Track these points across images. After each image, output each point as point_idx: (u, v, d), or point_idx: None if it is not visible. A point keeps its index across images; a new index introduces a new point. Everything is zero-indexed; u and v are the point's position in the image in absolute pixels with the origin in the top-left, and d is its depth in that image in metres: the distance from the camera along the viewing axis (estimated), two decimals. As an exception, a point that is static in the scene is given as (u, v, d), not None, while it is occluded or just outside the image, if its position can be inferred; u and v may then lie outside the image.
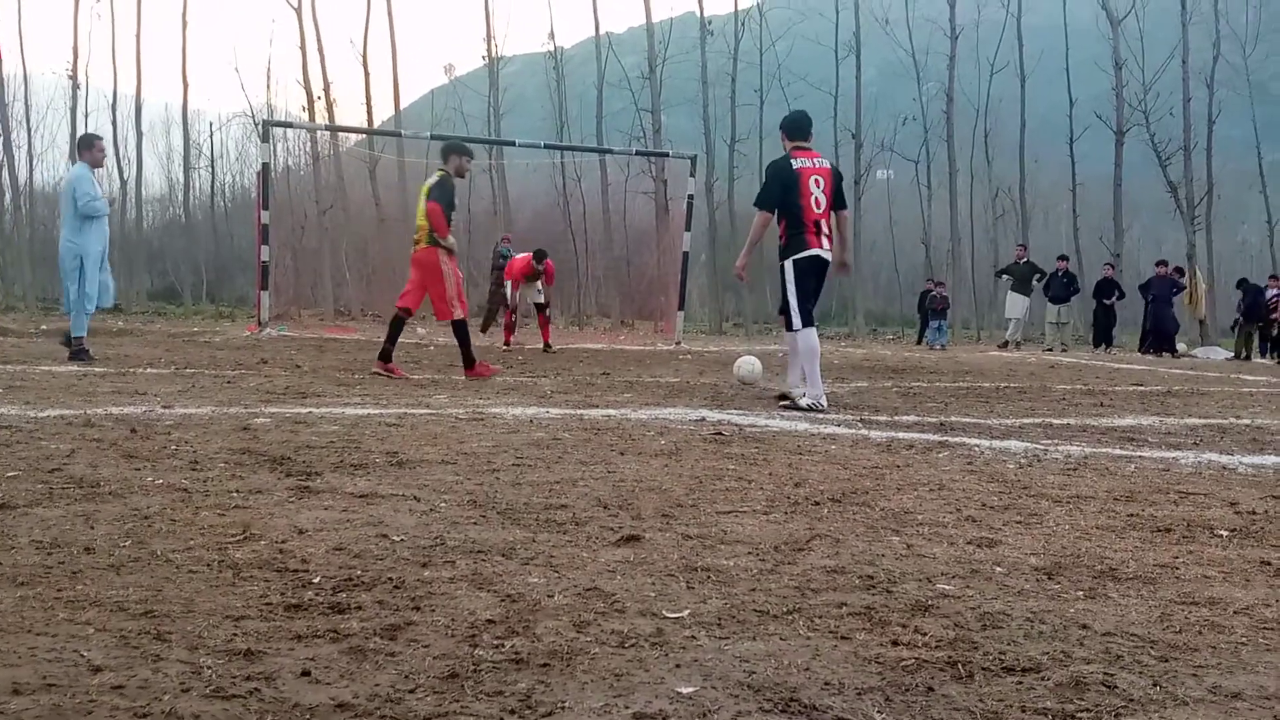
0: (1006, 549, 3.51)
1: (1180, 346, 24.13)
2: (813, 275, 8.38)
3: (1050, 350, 23.40)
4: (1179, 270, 25.26)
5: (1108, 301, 24.83)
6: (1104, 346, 24.45)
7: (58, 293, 39.60)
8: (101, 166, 11.46)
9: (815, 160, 8.46)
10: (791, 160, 8.41)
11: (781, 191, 8.36)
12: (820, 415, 7.58)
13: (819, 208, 8.35)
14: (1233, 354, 23.43)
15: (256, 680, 2.14)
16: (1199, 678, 2.34)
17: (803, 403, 8.08)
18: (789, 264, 8.33)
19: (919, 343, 26.67)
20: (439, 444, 5.45)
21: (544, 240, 29.81)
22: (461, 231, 23.29)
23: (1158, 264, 25.31)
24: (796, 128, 8.64)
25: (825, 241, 8.39)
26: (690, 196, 20.77)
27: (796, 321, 8.33)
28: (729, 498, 4.27)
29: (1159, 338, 23.87)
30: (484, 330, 22.37)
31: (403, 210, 33.30)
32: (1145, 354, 23.06)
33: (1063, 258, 26.36)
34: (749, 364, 10.06)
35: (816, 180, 8.37)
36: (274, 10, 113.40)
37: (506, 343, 16.95)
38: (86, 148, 11.30)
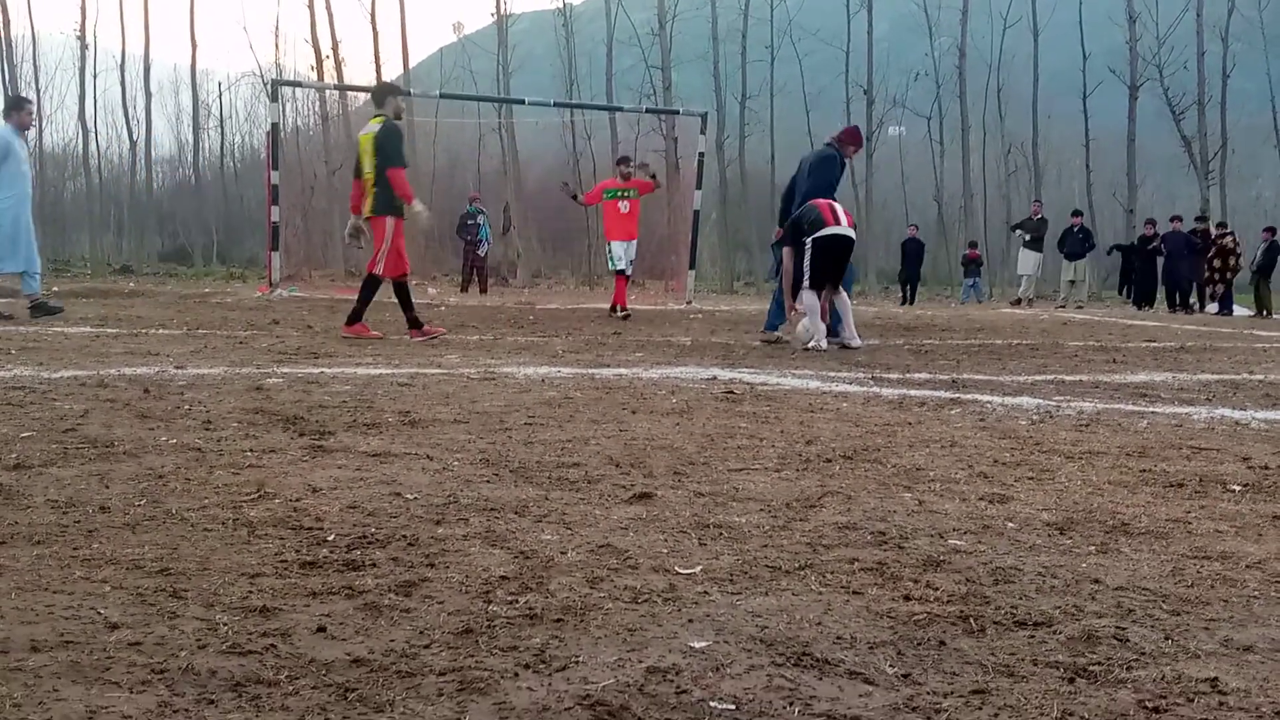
0: (1018, 505, 3.51)
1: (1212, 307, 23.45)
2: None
3: (1063, 307, 23.19)
4: (1205, 231, 24.48)
5: (1157, 254, 24.03)
6: (1145, 306, 23.99)
7: (69, 254, 39.74)
8: (29, 129, 11.47)
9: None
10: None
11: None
12: (833, 374, 7.57)
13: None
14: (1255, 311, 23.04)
15: (272, 636, 2.16)
16: (1211, 631, 2.35)
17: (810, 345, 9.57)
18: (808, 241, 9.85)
19: (904, 302, 26.48)
20: (451, 403, 5.46)
21: (553, 200, 29.80)
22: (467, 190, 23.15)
23: (1173, 219, 24.98)
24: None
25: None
26: (701, 154, 20.67)
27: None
28: (741, 455, 4.27)
29: (1173, 293, 23.61)
30: (464, 289, 22.33)
31: (413, 171, 33.28)
32: (1174, 311, 22.73)
33: (1077, 213, 26.12)
34: (807, 326, 10.02)
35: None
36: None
37: (615, 307, 14.91)
38: (15, 109, 11.34)
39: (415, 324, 9.91)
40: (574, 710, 1.86)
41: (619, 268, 14.61)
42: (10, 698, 1.82)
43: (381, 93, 10.41)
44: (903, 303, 25.89)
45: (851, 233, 9.90)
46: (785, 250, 10.23)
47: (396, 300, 10.09)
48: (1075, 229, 24.65)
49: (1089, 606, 2.49)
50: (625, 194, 14.44)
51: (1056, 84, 39.65)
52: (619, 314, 14.22)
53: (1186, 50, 35.34)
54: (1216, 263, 22.92)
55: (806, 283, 9.82)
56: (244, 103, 46.18)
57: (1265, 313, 22.02)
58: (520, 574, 2.62)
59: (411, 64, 39.29)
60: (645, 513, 3.27)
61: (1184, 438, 4.98)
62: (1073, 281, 24.75)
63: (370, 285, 9.91)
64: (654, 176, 15.49)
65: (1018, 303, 24.60)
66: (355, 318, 9.78)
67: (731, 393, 6.23)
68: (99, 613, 2.26)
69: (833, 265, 9.93)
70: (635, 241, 14.79)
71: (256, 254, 35.83)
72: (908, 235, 28.03)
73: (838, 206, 9.98)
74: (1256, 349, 11.33)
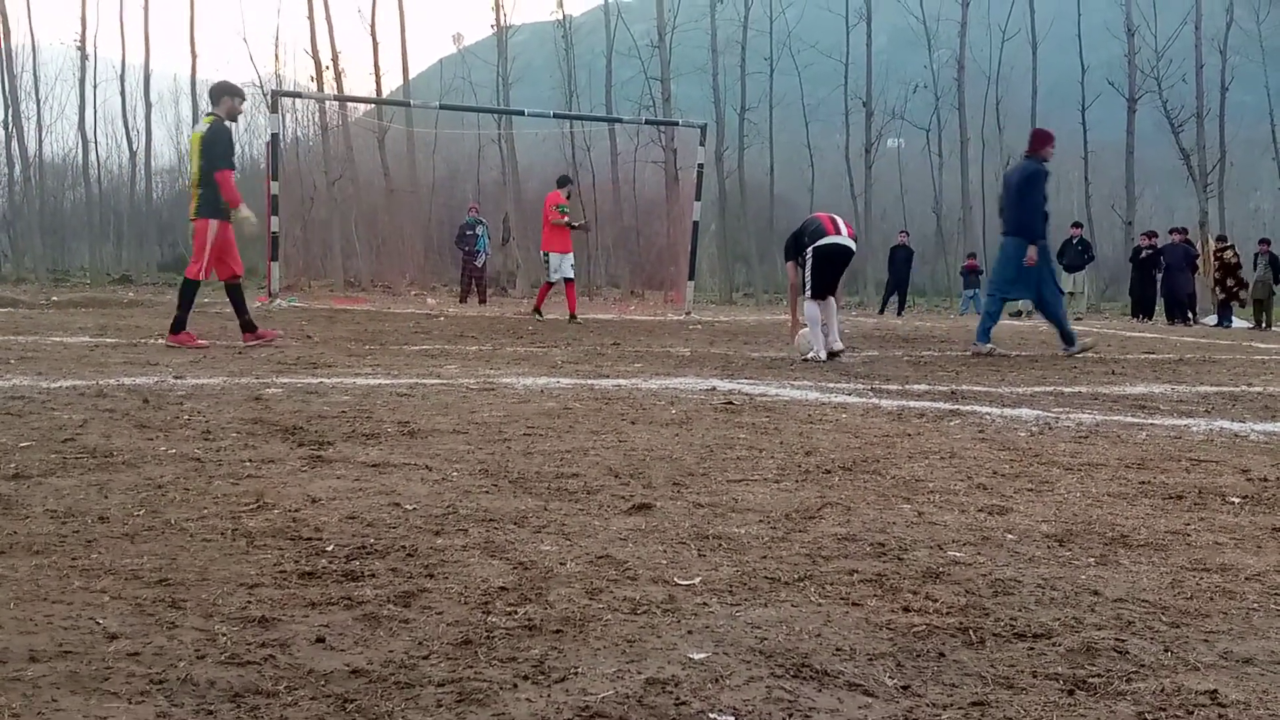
0: (1018, 516, 3.51)
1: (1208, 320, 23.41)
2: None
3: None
4: (1186, 241, 24.54)
5: (1156, 272, 24.09)
6: (1141, 317, 23.97)
7: (68, 264, 39.76)
8: None
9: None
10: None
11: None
12: (832, 385, 7.57)
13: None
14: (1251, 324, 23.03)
15: (271, 647, 2.16)
16: (1210, 643, 2.35)
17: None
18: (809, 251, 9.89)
19: (881, 312, 26.34)
20: (450, 414, 5.46)
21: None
22: (465, 200, 23.11)
23: (1172, 231, 24.94)
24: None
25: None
26: (700, 166, 20.70)
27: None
28: (740, 466, 4.28)
29: (1172, 305, 23.57)
30: (463, 300, 22.40)
31: (412, 181, 33.32)
32: (1173, 323, 22.66)
33: (1077, 224, 26.14)
34: (810, 338, 10.05)
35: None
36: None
37: (537, 310, 16.65)
38: None
39: (249, 328, 9.74)
40: (573, 721, 1.86)
41: (556, 278, 15.91)
42: (9, 708, 1.81)
43: (217, 91, 10.01)
44: (880, 312, 25.75)
45: (852, 244, 9.91)
46: (790, 265, 10.32)
47: (230, 303, 9.92)
48: (1074, 240, 24.65)
49: (1088, 618, 2.49)
50: (568, 210, 15.87)
51: (1055, 96, 39.71)
52: (569, 319, 15.62)
53: (1185, 63, 35.42)
54: (1218, 275, 22.90)
55: (808, 293, 9.84)
56: (243, 113, 46.12)
57: (1265, 325, 21.99)
58: (519, 585, 2.61)
59: (411, 75, 39.34)
60: (644, 524, 3.27)
61: (1183, 450, 4.99)
62: (1072, 293, 24.68)
63: (187, 290, 9.60)
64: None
65: (1017, 315, 24.58)
66: (178, 326, 9.43)
67: (731, 404, 6.23)
68: (98, 623, 2.26)
69: (833, 275, 9.94)
70: (571, 254, 16.04)
71: (255, 264, 35.83)
72: (897, 241, 27.86)
73: (838, 218, 10.02)
74: (1255, 361, 11.33)
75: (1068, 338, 11.27)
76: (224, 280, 9.85)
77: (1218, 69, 35.86)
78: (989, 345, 11.05)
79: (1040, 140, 11.26)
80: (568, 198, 16.05)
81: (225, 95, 9.86)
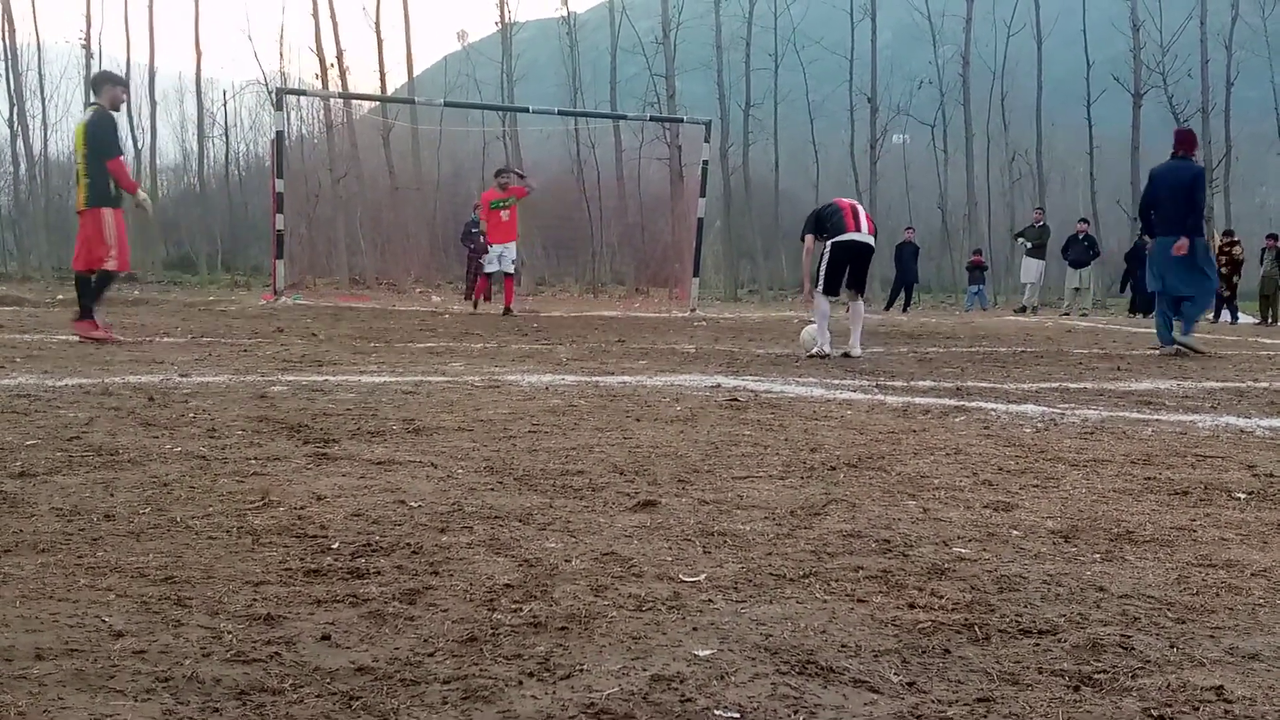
0: (1023, 512, 3.51)
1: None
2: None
3: (1067, 315, 23.12)
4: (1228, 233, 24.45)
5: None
6: (1144, 314, 23.86)
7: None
8: None
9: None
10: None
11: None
12: (837, 382, 7.57)
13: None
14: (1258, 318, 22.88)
15: (277, 645, 2.16)
16: (1216, 639, 2.34)
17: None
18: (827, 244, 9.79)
19: (887, 308, 26.20)
20: (455, 411, 5.46)
21: (558, 208, 29.85)
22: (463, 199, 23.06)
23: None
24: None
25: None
26: (705, 162, 20.67)
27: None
28: (745, 463, 4.27)
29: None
30: (468, 298, 22.45)
31: (417, 179, 33.32)
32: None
33: (1083, 220, 26.09)
34: (815, 333, 10.01)
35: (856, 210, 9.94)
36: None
37: (475, 302, 17.41)
38: None
39: (85, 314, 9.49)
40: (578, 719, 1.86)
41: (490, 270, 16.53)
42: (15, 706, 1.82)
43: (99, 81, 10.06)
44: (886, 308, 25.67)
45: (871, 240, 9.82)
46: (809, 238, 10.13)
47: (76, 287, 9.82)
48: (1080, 236, 24.59)
49: (1094, 615, 2.48)
50: (505, 203, 16.21)
51: (1060, 92, 39.70)
52: (504, 312, 16.17)
53: (1190, 58, 35.35)
54: (1224, 270, 22.75)
55: (820, 287, 9.79)
56: (248, 111, 46.00)
57: (1273, 320, 21.87)
58: (524, 582, 2.62)
59: (416, 72, 39.37)
60: (649, 520, 3.27)
61: (1188, 445, 4.98)
62: (1078, 289, 24.66)
63: (103, 280, 9.63)
64: (523, 176, 17.74)
65: (1021, 310, 24.55)
66: (85, 314, 9.43)
67: (735, 400, 6.23)
68: (104, 621, 2.26)
69: (849, 271, 9.88)
70: (514, 243, 16.56)
71: (261, 262, 35.87)
72: (903, 238, 27.80)
73: (861, 210, 9.96)
74: (1261, 356, 11.31)
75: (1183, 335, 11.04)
76: (82, 269, 9.67)
77: (1223, 64, 35.80)
78: (1175, 345, 10.94)
79: (1191, 141, 11.60)
80: (503, 189, 16.37)
81: (107, 84, 9.89)
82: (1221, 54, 35.66)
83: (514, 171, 17.94)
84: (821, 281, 9.78)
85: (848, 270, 9.87)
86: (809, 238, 10.06)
